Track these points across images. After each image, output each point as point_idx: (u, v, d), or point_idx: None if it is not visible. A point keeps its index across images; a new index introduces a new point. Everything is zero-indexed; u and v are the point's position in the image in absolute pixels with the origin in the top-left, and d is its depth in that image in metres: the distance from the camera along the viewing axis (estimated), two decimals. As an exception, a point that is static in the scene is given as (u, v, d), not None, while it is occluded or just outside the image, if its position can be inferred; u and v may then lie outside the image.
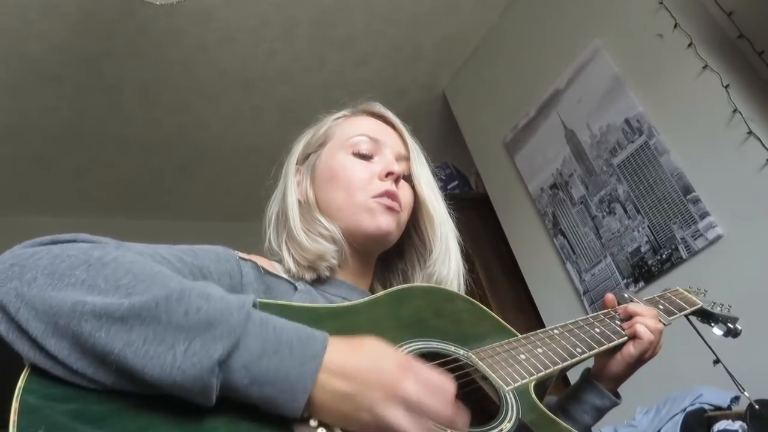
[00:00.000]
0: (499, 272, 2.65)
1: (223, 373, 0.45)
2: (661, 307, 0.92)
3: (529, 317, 2.47)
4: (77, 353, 0.45)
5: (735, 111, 1.77)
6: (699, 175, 1.87)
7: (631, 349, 0.81)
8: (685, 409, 1.52)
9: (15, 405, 0.43)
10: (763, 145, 1.71)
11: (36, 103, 2.55)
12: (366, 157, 0.83)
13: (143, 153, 3.02)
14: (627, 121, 2.09)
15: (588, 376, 0.87)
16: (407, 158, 0.86)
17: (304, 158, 0.88)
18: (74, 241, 0.54)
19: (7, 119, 2.58)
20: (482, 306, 0.78)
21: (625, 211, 2.11)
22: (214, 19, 2.39)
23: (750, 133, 1.74)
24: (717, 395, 1.52)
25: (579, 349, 0.74)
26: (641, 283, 2.03)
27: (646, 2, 2.05)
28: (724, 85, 1.81)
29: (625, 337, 0.82)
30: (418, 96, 3.15)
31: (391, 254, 0.89)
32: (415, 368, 0.51)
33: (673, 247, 1.93)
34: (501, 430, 0.59)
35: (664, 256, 1.96)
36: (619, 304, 0.90)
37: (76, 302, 0.46)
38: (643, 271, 2.02)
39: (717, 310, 1.02)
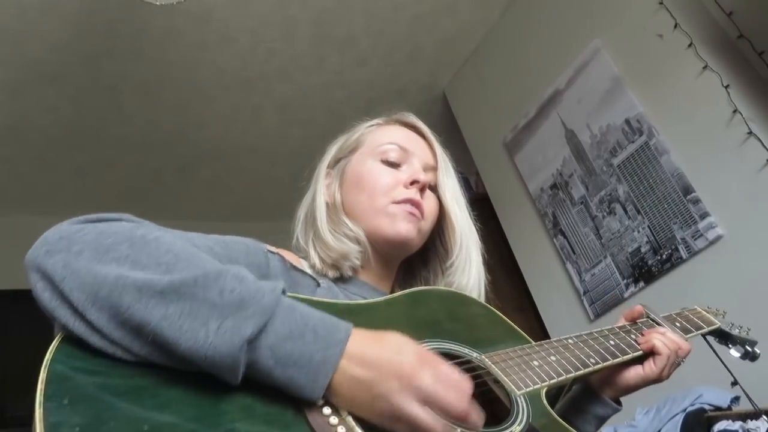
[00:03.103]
0: (499, 272, 2.65)
1: (250, 352, 0.48)
2: (678, 324, 0.92)
3: (528, 317, 2.47)
4: (115, 323, 0.48)
5: (735, 111, 1.77)
6: (699, 176, 1.87)
7: (652, 366, 0.81)
8: (685, 410, 1.52)
9: (42, 375, 0.44)
10: (763, 145, 1.71)
11: (36, 103, 2.55)
12: (394, 165, 0.85)
13: (143, 153, 3.02)
14: (627, 122, 2.09)
15: (588, 384, 0.86)
16: (435, 169, 0.89)
17: (335, 162, 0.91)
18: (119, 220, 0.57)
19: (7, 119, 2.58)
20: (497, 312, 0.79)
21: (625, 212, 2.10)
22: (214, 19, 2.39)
23: (750, 133, 1.74)
24: (717, 395, 1.52)
25: (593, 360, 0.74)
26: (641, 283, 2.03)
27: (646, 2, 2.05)
28: (724, 85, 1.81)
29: (639, 352, 0.81)
30: (418, 96, 3.15)
31: (416, 261, 0.91)
32: (434, 362, 0.52)
33: (674, 247, 1.93)
34: (512, 431, 0.59)
35: (664, 256, 1.96)
36: (642, 317, 0.90)
37: (119, 276, 0.49)
38: (643, 272, 2.02)
39: (735, 331, 1.01)
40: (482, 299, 0.85)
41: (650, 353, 0.82)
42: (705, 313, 1.01)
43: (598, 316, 2.17)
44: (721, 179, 1.81)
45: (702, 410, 1.50)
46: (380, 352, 0.51)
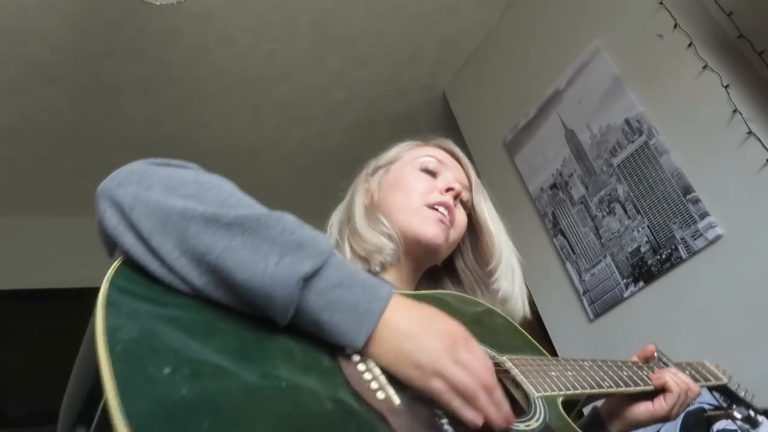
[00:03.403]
0: (499, 272, 2.65)
1: (303, 292, 0.50)
2: (687, 372, 0.93)
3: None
4: (179, 251, 0.50)
5: (735, 111, 1.77)
6: (699, 175, 1.87)
7: (663, 403, 0.82)
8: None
9: (105, 286, 0.47)
10: (763, 145, 1.71)
11: (36, 103, 2.55)
12: (431, 173, 0.90)
13: (143, 153, 2.99)
14: (627, 122, 2.10)
15: (597, 416, 0.87)
16: (469, 189, 0.94)
17: (374, 171, 0.95)
18: (185, 166, 0.62)
19: (7, 119, 2.58)
20: (518, 325, 0.82)
21: (625, 211, 2.11)
22: (214, 19, 2.40)
23: (750, 133, 1.74)
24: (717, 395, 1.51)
25: (607, 383, 0.75)
26: (641, 283, 2.03)
27: (646, 2, 2.05)
28: (724, 85, 1.81)
29: (651, 387, 0.82)
30: (418, 96, 3.15)
31: (441, 272, 0.94)
32: (468, 336, 0.57)
33: (673, 247, 1.93)
34: (529, 425, 0.60)
35: (663, 256, 1.96)
36: (653, 358, 0.91)
37: (187, 208, 0.52)
38: (643, 271, 2.02)
39: (741, 393, 1.02)
40: (527, 309, 0.89)
41: (661, 390, 0.83)
42: (713, 368, 1.03)
43: (597, 315, 2.18)
44: (721, 179, 1.81)
45: (701, 409, 1.49)
46: (423, 315, 0.56)
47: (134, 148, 2.98)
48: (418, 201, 0.85)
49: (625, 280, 2.09)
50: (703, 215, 1.84)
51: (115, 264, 0.51)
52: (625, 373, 0.81)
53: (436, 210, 0.84)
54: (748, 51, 1.90)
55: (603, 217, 2.19)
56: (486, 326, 0.76)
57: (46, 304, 2.82)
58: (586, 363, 0.78)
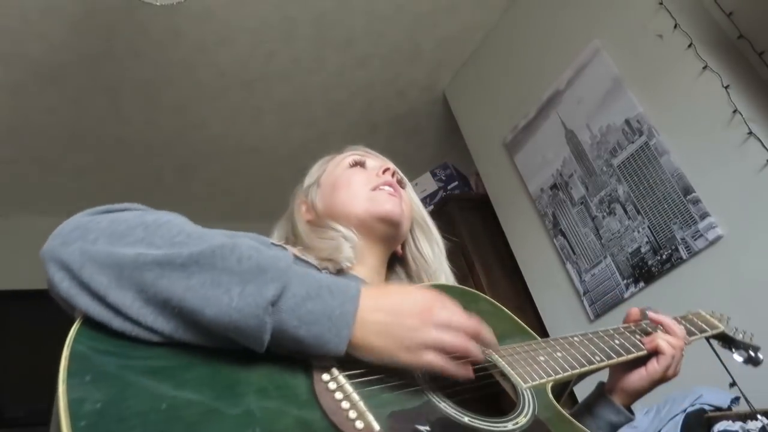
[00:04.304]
0: (499, 272, 2.65)
1: (274, 315, 0.50)
2: (682, 327, 0.92)
3: (528, 317, 2.47)
4: (140, 301, 0.49)
5: (735, 111, 1.77)
6: (699, 176, 1.87)
7: (656, 365, 0.82)
8: (685, 410, 1.51)
9: (66, 352, 0.45)
10: (763, 146, 1.71)
11: (36, 104, 2.55)
12: (361, 164, 0.93)
13: (143, 153, 3.02)
14: (627, 122, 2.09)
15: (603, 391, 0.87)
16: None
17: (306, 192, 0.96)
18: (127, 209, 0.60)
19: (7, 120, 2.58)
20: (505, 309, 0.82)
21: (625, 212, 2.10)
22: (214, 20, 2.39)
23: (750, 133, 1.74)
24: (717, 396, 1.51)
25: (598, 357, 0.74)
26: (641, 284, 2.03)
27: (646, 2, 2.05)
28: (724, 85, 1.81)
29: (644, 351, 0.82)
30: (418, 97, 3.15)
31: (396, 265, 0.95)
32: (440, 297, 0.59)
33: (674, 247, 1.93)
34: (517, 422, 0.60)
35: (664, 256, 1.96)
36: (641, 318, 0.90)
37: (138, 255, 0.50)
38: (643, 272, 2.02)
39: (739, 336, 1.02)
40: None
41: (654, 353, 0.82)
42: (708, 317, 1.02)
43: (598, 316, 2.17)
44: (721, 179, 1.81)
45: (702, 411, 1.49)
46: (393, 299, 0.57)
47: (134, 149, 2.98)
48: (363, 190, 0.86)
49: (625, 281, 2.09)
50: (704, 216, 1.84)
51: (75, 325, 0.49)
52: (617, 341, 0.80)
53: (382, 190, 0.86)
54: (748, 51, 1.90)
55: (603, 217, 2.19)
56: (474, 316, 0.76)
57: (46, 304, 2.82)
58: (576, 338, 0.77)
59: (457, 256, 2.66)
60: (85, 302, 0.49)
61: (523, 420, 0.60)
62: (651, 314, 0.88)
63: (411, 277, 0.93)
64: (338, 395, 0.52)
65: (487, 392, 0.64)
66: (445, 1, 2.60)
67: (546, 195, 2.45)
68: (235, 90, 2.79)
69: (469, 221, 2.76)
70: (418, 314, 0.56)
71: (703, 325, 0.97)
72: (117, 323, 0.49)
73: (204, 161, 3.20)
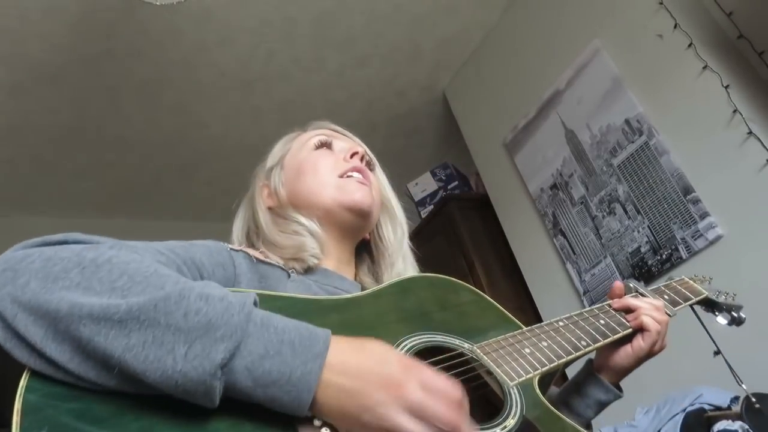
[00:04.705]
0: (499, 272, 2.65)
1: (226, 376, 0.45)
2: (666, 297, 0.92)
3: (528, 317, 2.47)
4: (79, 357, 0.45)
5: (735, 111, 1.77)
6: (699, 176, 1.87)
7: (641, 342, 0.81)
8: (685, 409, 1.51)
9: (17, 405, 0.43)
10: (763, 145, 1.71)
11: (36, 104, 2.55)
12: (328, 146, 0.87)
13: (143, 153, 3.02)
14: (627, 122, 2.09)
15: (591, 370, 0.86)
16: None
17: (268, 174, 0.91)
18: (65, 242, 0.53)
19: (7, 120, 2.58)
20: (487, 297, 0.79)
21: (625, 212, 2.10)
22: (214, 19, 2.39)
23: (750, 133, 1.74)
24: (717, 395, 1.51)
25: (584, 342, 0.74)
26: (641, 284, 2.03)
27: (646, 2, 2.05)
28: (724, 85, 1.81)
29: (630, 329, 0.81)
30: (418, 96, 3.15)
31: (363, 252, 0.91)
32: (420, 371, 0.49)
33: (673, 247, 1.93)
34: (505, 426, 0.58)
35: (664, 256, 1.96)
36: (626, 293, 0.90)
37: (73, 305, 0.45)
38: (643, 272, 2.02)
39: (721, 299, 1.02)
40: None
41: (640, 330, 0.82)
42: (692, 282, 1.01)
43: (598, 316, 2.17)
44: (721, 179, 1.81)
45: (702, 410, 1.49)
46: (363, 362, 0.49)
47: (134, 149, 2.98)
48: (330, 176, 0.81)
49: (625, 281, 2.09)
50: (704, 215, 1.84)
51: (26, 373, 0.46)
52: (602, 321, 0.80)
53: (351, 177, 0.81)
54: (748, 51, 1.90)
55: (603, 217, 2.19)
56: (455, 310, 0.73)
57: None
58: (560, 323, 0.76)
59: (457, 256, 2.66)
60: (23, 355, 0.45)
61: (511, 422, 0.59)
62: (624, 301, 0.87)
63: (375, 263, 0.89)
64: (317, 422, 0.49)
65: (478, 394, 0.62)
66: (445, 1, 2.60)
67: (546, 195, 2.45)
68: (235, 90, 2.79)
69: (469, 221, 2.76)
70: (386, 388, 0.47)
71: (687, 293, 0.97)
72: (59, 376, 0.45)
73: (204, 161, 3.20)
